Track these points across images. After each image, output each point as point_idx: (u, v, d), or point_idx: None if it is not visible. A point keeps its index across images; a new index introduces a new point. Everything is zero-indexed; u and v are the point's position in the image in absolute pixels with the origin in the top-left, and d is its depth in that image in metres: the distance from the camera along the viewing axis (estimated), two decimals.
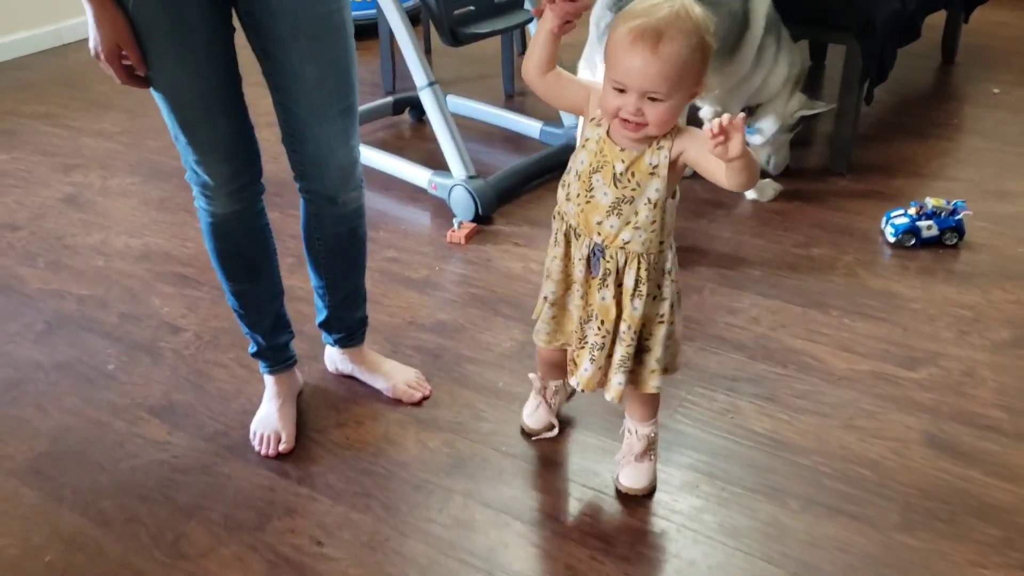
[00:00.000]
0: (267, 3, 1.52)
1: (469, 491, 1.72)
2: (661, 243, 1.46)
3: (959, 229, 2.43)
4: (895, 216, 2.46)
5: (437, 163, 2.75)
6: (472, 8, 2.63)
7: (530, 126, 3.11)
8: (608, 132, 1.43)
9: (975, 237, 2.47)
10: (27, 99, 3.69)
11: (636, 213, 1.43)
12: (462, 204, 2.59)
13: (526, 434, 1.84)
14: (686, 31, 1.29)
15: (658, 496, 1.69)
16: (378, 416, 1.92)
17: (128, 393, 2.01)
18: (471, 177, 2.60)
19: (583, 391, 1.58)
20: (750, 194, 2.70)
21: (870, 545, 1.58)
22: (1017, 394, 1.92)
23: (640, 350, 1.54)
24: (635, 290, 1.47)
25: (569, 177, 1.49)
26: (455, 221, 2.59)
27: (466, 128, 3.01)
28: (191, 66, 1.52)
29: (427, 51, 3.92)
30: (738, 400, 1.92)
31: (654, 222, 1.43)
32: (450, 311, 2.26)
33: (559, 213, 1.53)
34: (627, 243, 1.45)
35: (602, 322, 1.51)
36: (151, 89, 1.55)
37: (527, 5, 2.81)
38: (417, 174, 2.76)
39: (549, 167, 2.78)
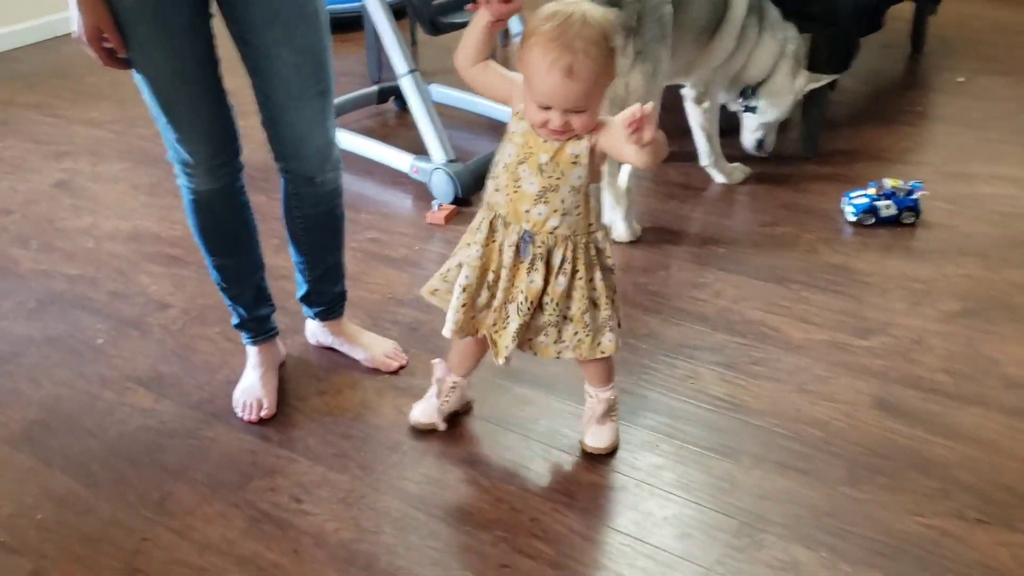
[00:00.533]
0: None
1: (441, 452, 1.82)
2: (590, 225, 1.57)
3: (916, 209, 2.54)
4: (855, 196, 2.56)
5: (420, 150, 2.84)
6: None
7: (510, 114, 3.19)
8: (531, 124, 1.51)
9: (932, 216, 2.58)
10: (20, 89, 3.77)
11: (562, 200, 1.53)
12: (442, 187, 2.69)
13: (412, 428, 1.86)
14: (594, 42, 1.39)
15: (620, 455, 1.79)
16: (356, 384, 2.01)
17: (117, 365, 2.10)
18: (451, 161, 2.70)
19: (504, 364, 1.65)
20: (720, 178, 2.80)
21: (816, 497, 1.68)
22: (963, 360, 2.02)
23: (586, 324, 1.63)
24: (560, 268, 1.57)
25: (497, 169, 1.59)
26: (435, 203, 2.69)
27: (449, 116, 3.10)
28: (170, 48, 1.60)
29: (412, 43, 4.02)
30: (698, 367, 2.02)
31: (579, 207, 1.54)
32: None
33: (488, 203, 1.62)
34: (555, 228, 1.55)
35: (530, 302, 1.60)
36: (133, 71, 1.63)
37: None
38: (399, 159, 2.85)
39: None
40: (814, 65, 2.83)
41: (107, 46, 1.57)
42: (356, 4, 3.89)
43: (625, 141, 1.39)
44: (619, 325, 1.70)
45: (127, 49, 1.58)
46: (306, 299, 2.04)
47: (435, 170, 2.69)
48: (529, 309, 1.62)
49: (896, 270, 2.35)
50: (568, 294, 1.61)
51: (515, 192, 1.56)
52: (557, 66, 1.39)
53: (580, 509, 1.68)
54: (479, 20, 1.50)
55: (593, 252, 1.59)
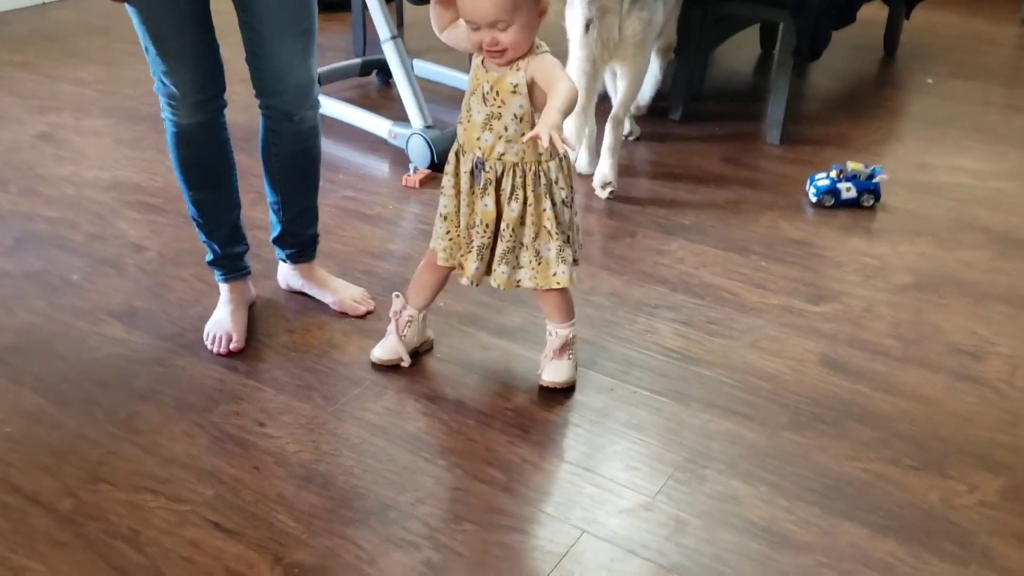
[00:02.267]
0: None
1: (403, 388, 1.88)
2: (539, 155, 1.66)
3: (876, 192, 2.62)
4: (818, 179, 2.65)
5: (399, 119, 2.91)
6: None
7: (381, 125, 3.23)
8: (482, 61, 1.65)
9: (891, 200, 2.67)
10: (6, 49, 3.81)
11: (505, 127, 1.65)
12: (419, 152, 2.75)
13: (375, 365, 1.93)
14: None
15: (576, 396, 1.86)
16: (324, 326, 2.07)
17: (91, 300, 2.15)
18: (428, 127, 2.76)
19: (475, 285, 1.78)
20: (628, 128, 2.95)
21: (758, 439, 1.76)
22: (910, 327, 2.10)
23: (538, 252, 1.73)
24: (511, 195, 1.68)
25: (462, 107, 1.71)
26: (411, 167, 2.75)
27: (431, 91, 3.17)
28: None
29: (399, 24, 4.09)
30: (656, 323, 2.10)
31: (523, 134, 1.63)
32: (399, 243, 2.43)
33: (456, 139, 1.74)
34: (502, 155, 1.67)
35: (486, 226, 1.72)
36: (126, 5, 1.70)
37: None
38: (378, 124, 2.92)
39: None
40: (783, 53, 2.93)
41: None
42: None
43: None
44: (575, 261, 1.78)
45: None
46: (279, 240, 2.10)
47: (413, 135, 2.76)
48: (486, 232, 1.71)
49: (853, 246, 2.44)
50: (521, 221, 1.70)
51: (468, 122, 1.69)
52: None
53: (534, 442, 1.75)
54: None
55: (544, 182, 1.68)
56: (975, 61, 3.85)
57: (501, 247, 1.73)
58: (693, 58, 3.11)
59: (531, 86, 1.62)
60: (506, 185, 1.69)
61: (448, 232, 1.80)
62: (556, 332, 1.84)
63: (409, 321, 1.92)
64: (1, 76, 3.52)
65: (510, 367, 1.95)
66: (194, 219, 1.98)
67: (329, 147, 2.98)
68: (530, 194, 1.69)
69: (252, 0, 1.75)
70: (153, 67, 1.78)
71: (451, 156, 1.76)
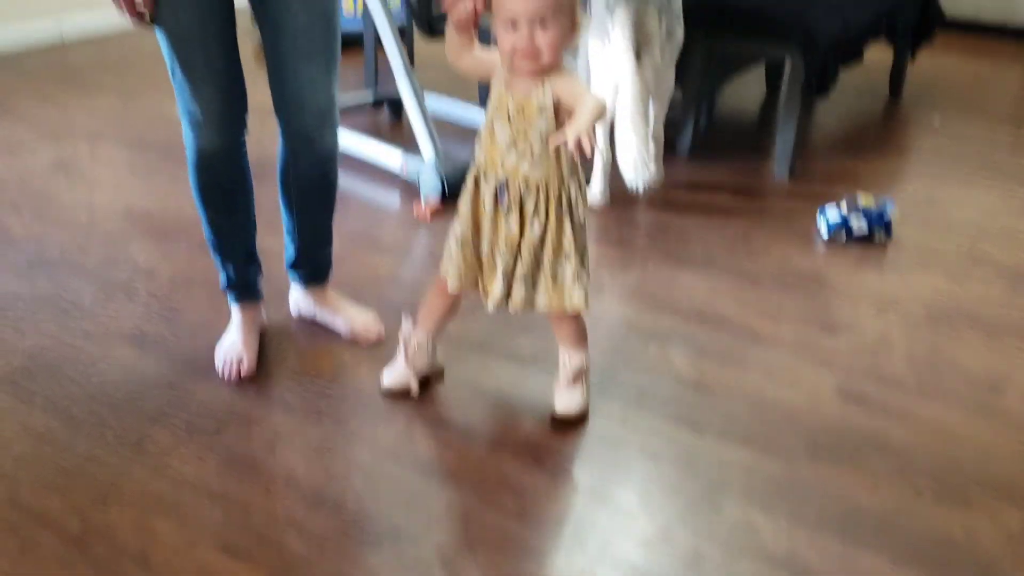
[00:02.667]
0: None
1: (414, 412, 1.87)
2: (563, 174, 1.66)
3: (887, 226, 2.63)
4: (829, 212, 2.65)
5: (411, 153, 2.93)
6: None
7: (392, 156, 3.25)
8: (505, 84, 1.65)
9: (903, 235, 2.67)
10: (25, 83, 3.85)
11: (531, 147, 1.64)
12: (430, 183, 2.76)
13: (384, 393, 1.91)
14: None
15: (588, 423, 1.84)
16: (335, 351, 2.06)
17: (102, 323, 2.15)
18: (440, 159, 2.77)
19: (498, 309, 1.76)
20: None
21: (776, 469, 1.74)
22: (924, 359, 2.09)
23: (555, 274, 1.72)
24: (534, 214, 1.67)
25: (482, 131, 1.71)
26: (422, 198, 2.76)
27: (442, 126, 3.19)
28: (194, 3, 1.69)
29: (411, 60, 4.13)
30: (669, 352, 2.09)
31: (548, 155, 1.63)
32: (411, 270, 2.43)
33: (474, 164, 1.73)
34: (527, 175, 1.66)
35: (510, 247, 1.71)
36: (155, 28, 1.72)
37: None
38: (390, 155, 2.94)
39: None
40: (791, 88, 2.95)
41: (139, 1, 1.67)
42: (357, 24, 4.02)
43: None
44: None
45: (155, 5, 1.67)
46: (293, 264, 2.10)
47: (424, 166, 2.77)
48: (510, 254, 1.70)
49: (865, 279, 2.43)
50: (542, 241, 1.70)
51: (491, 143, 1.68)
52: None
53: (546, 469, 1.73)
54: (449, 23, 1.66)
55: (565, 202, 1.68)
56: (980, 102, 3.88)
57: (520, 269, 1.72)
58: (700, 94, 3.13)
59: (556, 105, 1.62)
60: (529, 206, 1.68)
61: (465, 258, 1.77)
62: (570, 358, 1.83)
63: (418, 346, 1.91)
64: (18, 107, 3.55)
65: (521, 393, 1.93)
66: (210, 242, 1.98)
67: (341, 178, 2.98)
68: (552, 215, 1.68)
69: (278, 22, 1.77)
70: (178, 90, 1.79)
71: (469, 181, 1.75)
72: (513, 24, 1.57)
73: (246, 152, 1.92)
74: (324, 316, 2.13)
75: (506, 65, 1.65)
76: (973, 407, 1.93)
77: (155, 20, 1.70)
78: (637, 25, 2.61)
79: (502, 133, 1.66)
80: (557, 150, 1.63)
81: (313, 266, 2.10)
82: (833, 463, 1.75)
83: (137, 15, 1.70)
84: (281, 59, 1.82)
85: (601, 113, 1.56)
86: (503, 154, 1.67)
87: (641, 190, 2.73)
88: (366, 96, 3.48)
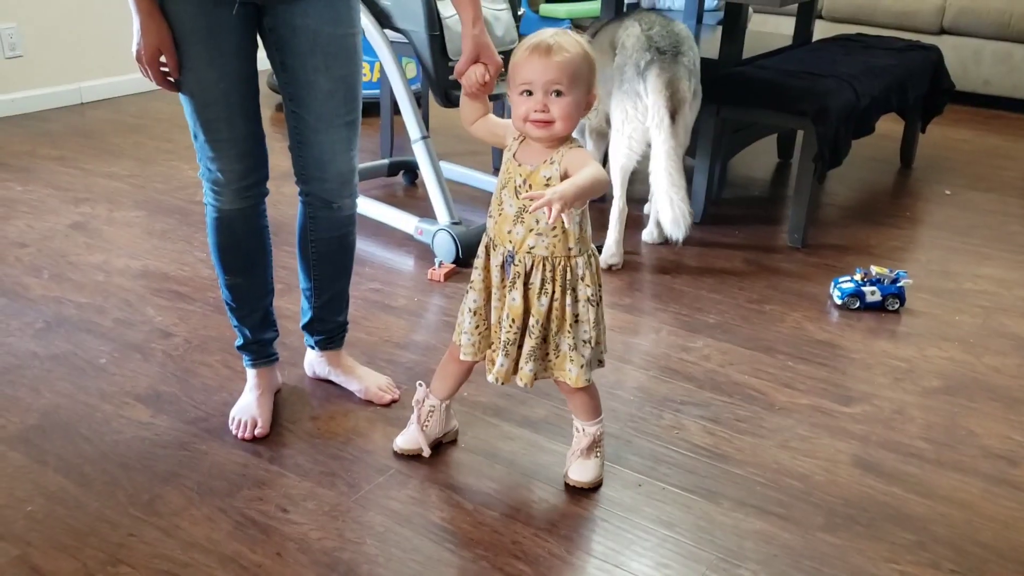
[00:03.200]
0: (291, 21, 1.76)
1: (427, 477, 1.85)
2: (569, 249, 1.66)
3: (901, 296, 2.63)
4: (842, 281, 2.66)
5: (425, 217, 2.96)
6: None
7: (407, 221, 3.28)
8: (514, 155, 1.66)
9: (916, 305, 2.67)
10: (44, 144, 3.92)
11: (537, 220, 1.64)
12: (444, 247, 2.79)
13: (397, 454, 1.91)
14: (572, 43, 1.59)
15: (602, 491, 1.83)
16: (349, 413, 2.06)
17: (117, 383, 2.15)
18: (454, 223, 2.80)
19: (500, 383, 1.74)
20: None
21: (793, 540, 1.71)
22: (942, 430, 2.07)
23: (557, 345, 1.71)
24: (541, 289, 1.66)
25: (492, 202, 1.72)
26: (436, 261, 2.78)
27: (455, 192, 3.22)
28: (219, 68, 1.73)
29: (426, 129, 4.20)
30: (683, 419, 2.08)
31: (554, 229, 1.63)
32: (424, 333, 2.43)
33: (486, 232, 1.74)
34: (532, 248, 1.66)
35: (512, 320, 1.69)
36: (180, 93, 1.76)
37: None
38: (405, 220, 2.97)
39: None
40: (805, 159, 2.98)
41: (163, 69, 1.71)
42: (373, 91, 4.10)
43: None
44: (599, 363, 1.77)
45: (180, 70, 1.71)
46: (309, 326, 2.10)
47: (439, 231, 2.80)
48: (512, 326, 1.69)
49: (880, 349, 2.43)
50: (548, 316, 1.69)
51: (499, 215, 1.68)
52: (537, 49, 1.58)
53: (561, 536, 1.71)
54: (463, 92, 1.73)
55: (570, 277, 1.67)
56: (992, 174, 3.91)
57: (529, 344, 1.70)
58: (712, 164, 3.17)
59: (564, 179, 1.61)
60: (535, 279, 1.67)
61: (477, 327, 1.76)
62: (584, 429, 1.82)
63: (431, 411, 1.90)
64: (39, 169, 3.61)
65: (535, 459, 1.92)
66: (227, 303, 1.99)
67: (356, 241, 3.02)
68: (558, 289, 1.67)
69: (301, 88, 1.81)
70: (200, 153, 1.83)
71: (481, 250, 1.75)
72: (528, 91, 1.59)
73: (266, 215, 1.95)
74: (339, 379, 2.13)
75: (518, 133, 1.67)
76: (992, 479, 1.91)
77: (180, 86, 1.74)
78: (671, 88, 2.73)
79: (509, 205, 1.67)
80: (561, 221, 1.60)
81: (329, 330, 2.11)
82: (851, 534, 1.73)
83: (166, 83, 1.74)
84: (303, 126, 1.85)
85: (596, 187, 1.55)
86: (511, 226, 1.67)
87: (681, 241, 2.82)
88: (382, 165, 3.53)
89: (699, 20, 4.27)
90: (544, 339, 1.71)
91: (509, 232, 1.67)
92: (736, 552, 1.67)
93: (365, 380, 2.11)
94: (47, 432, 1.96)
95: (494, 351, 1.75)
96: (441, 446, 1.94)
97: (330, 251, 2.00)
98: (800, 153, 3.01)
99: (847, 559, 1.67)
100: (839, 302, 2.63)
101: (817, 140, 2.90)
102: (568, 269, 1.67)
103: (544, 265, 1.67)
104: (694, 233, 3.15)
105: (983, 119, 4.81)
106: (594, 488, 1.83)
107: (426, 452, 1.89)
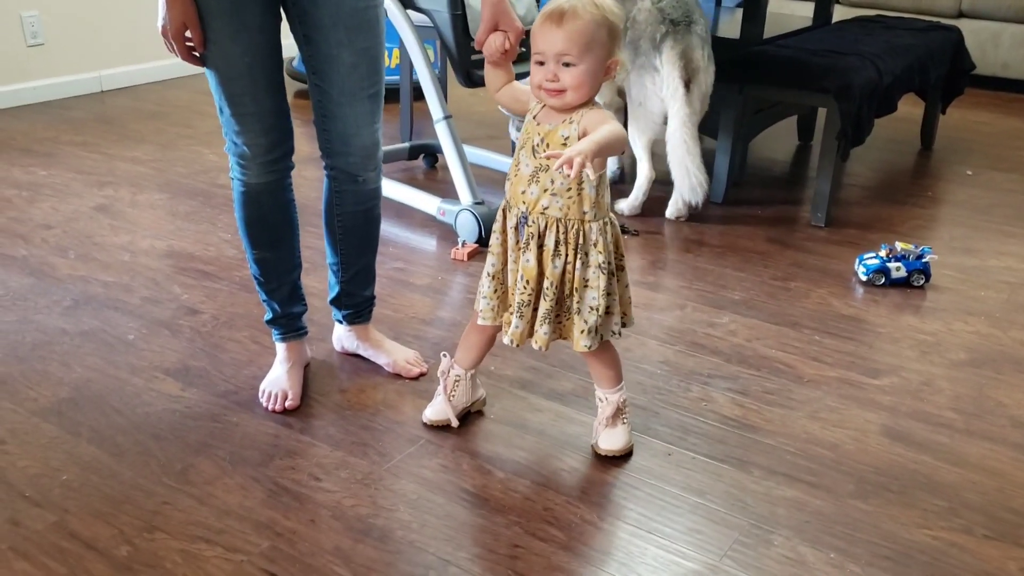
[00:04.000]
0: None
1: (458, 446, 1.86)
2: (584, 213, 1.65)
3: (926, 272, 2.62)
4: (867, 258, 2.65)
5: (448, 198, 2.97)
6: None
7: (429, 202, 3.28)
8: (535, 116, 1.66)
9: (941, 281, 2.66)
10: (67, 131, 3.94)
11: (552, 181, 1.64)
12: (467, 227, 2.79)
13: (427, 425, 1.92)
14: (588, 8, 1.57)
15: (633, 459, 1.83)
16: (378, 386, 2.07)
17: (146, 357, 2.17)
18: (477, 203, 2.81)
19: (515, 345, 1.74)
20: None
21: (825, 506, 1.71)
22: (970, 401, 2.07)
23: (567, 308, 1.72)
24: (555, 251, 1.66)
25: (511, 165, 1.72)
26: (459, 241, 2.79)
27: (477, 174, 3.22)
28: (243, 43, 1.74)
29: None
30: (712, 392, 2.08)
31: (570, 190, 1.63)
32: (449, 310, 2.44)
33: (504, 197, 1.74)
34: (546, 208, 1.65)
35: (527, 282, 1.69)
36: (205, 68, 1.77)
37: None
38: (427, 201, 2.97)
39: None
40: (828, 137, 2.97)
41: (188, 44, 1.72)
42: (393, 78, 4.11)
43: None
44: (616, 334, 1.76)
45: (205, 44, 1.72)
46: (336, 301, 2.11)
47: (461, 210, 2.80)
48: (526, 288, 1.70)
49: (906, 323, 2.42)
50: (563, 278, 1.69)
51: (516, 176, 1.69)
52: (551, 17, 1.57)
53: (592, 502, 1.71)
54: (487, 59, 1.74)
55: (582, 240, 1.66)
56: (1012, 155, 3.89)
57: (544, 307, 1.70)
58: (734, 144, 3.16)
59: (582, 139, 1.60)
60: (549, 241, 1.67)
61: (496, 291, 1.77)
62: (607, 398, 1.82)
63: (457, 380, 1.91)
64: (62, 154, 3.63)
65: (564, 429, 1.92)
66: (256, 278, 2.00)
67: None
68: (571, 251, 1.67)
69: (325, 62, 1.82)
70: (226, 128, 1.83)
71: (499, 214, 1.75)
72: (541, 61, 1.60)
73: (292, 188, 1.96)
74: (368, 352, 2.14)
75: (536, 99, 1.68)
76: (1022, 448, 1.90)
77: (205, 60, 1.75)
78: (685, 58, 2.79)
79: (526, 165, 1.67)
80: (578, 181, 1.62)
81: (356, 304, 2.11)
82: (882, 501, 1.73)
83: (191, 57, 1.75)
84: (327, 99, 1.86)
85: (615, 144, 1.55)
86: (525, 186, 1.67)
87: (700, 205, 2.98)
88: (403, 148, 3.53)
89: (719, 2, 4.27)
90: (558, 302, 1.72)
91: (523, 192, 1.67)
92: (768, 518, 1.68)
93: (393, 353, 2.12)
94: (79, 404, 1.97)
95: (510, 313, 1.75)
96: (469, 417, 1.95)
97: (356, 225, 2.01)
98: (823, 131, 3.00)
99: (879, 525, 1.67)
100: (864, 278, 2.63)
101: (840, 117, 2.90)
102: (581, 233, 1.67)
103: (558, 227, 1.66)
104: (716, 211, 3.16)
105: (1002, 102, 4.79)
106: (625, 456, 1.83)
107: (454, 423, 1.90)
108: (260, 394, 2.00)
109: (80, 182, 3.32)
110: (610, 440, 1.83)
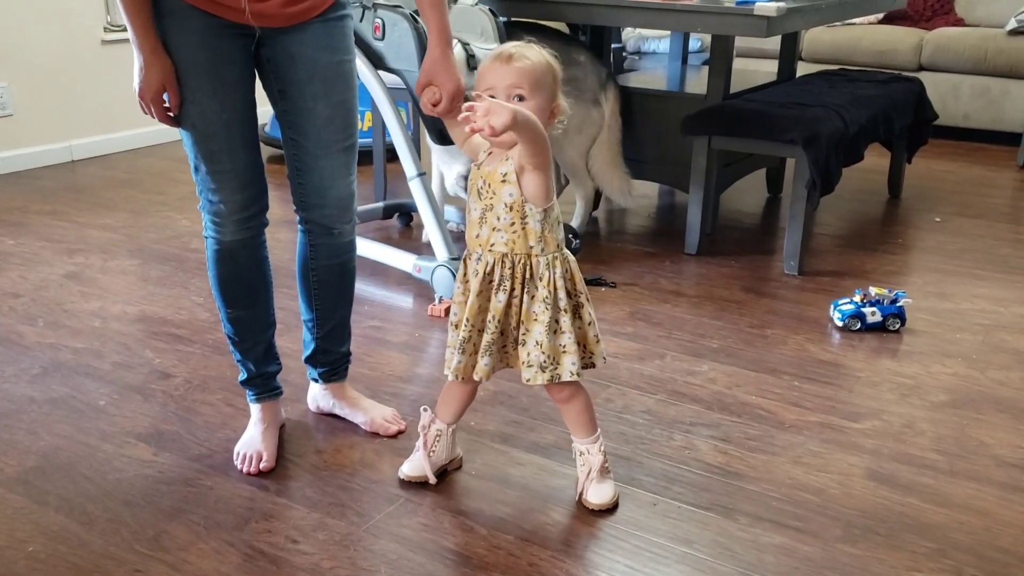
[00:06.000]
0: (288, 50, 1.78)
1: (438, 503, 1.82)
2: (530, 247, 1.67)
3: (901, 316, 2.63)
4: (842, 303, 2.67)
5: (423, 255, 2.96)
6: None
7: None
8: (479, 165, 1.70)
9: (916, 325, 2.67)
10: (37, 200, 3.91)
11: (498, 218, 1.67)
12: (444, 283, 2.78)
13: (403, 482, 1.88)
14: (534, 52, 1.65)
15: (617, 511, 1.80)
16: (355, 445, 2.03)
17: (118, 423, 2.12)
18: (453, 259, 2.80)
19: (459, 379, 1.75)
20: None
21: (813, 552, 1.68)
22: (953, 442, 2.06)
23: (516, 341, 1.72)
24: (499, 286, 1.68)
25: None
26: (436, 297, 2.77)
27: (451, 232, 3.23)
28: (221, 99, 1.74)
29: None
30: (695, 440, 2.05)
31: (513, 224, 1.65)
32: (427, 366, 2.41)
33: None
34: (493, 245, 1.68)
35: (468, 319, 1.70)
36: (180, 129, 1.77)
37: None
38: (403, 259, 2.96)
39: None
40: (797, 187, 3.00)
41: (164, 106, 1.72)
42: (366, 140, 4.14)
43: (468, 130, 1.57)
44: (575, 375, 1.71)
45: (182, 103, 1.72)
46: (312, 359, 2.08)
47: (437, 267, 2.79)
48: (466, 324, 1.71)
49: (884, 367, 2.42)
50: (507, 311, 1.69)
51: (469, 221, 1.72)
52: (500, 57, 1.63)
53: (578, 556, 1.67)
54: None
55: (529, 275, 1.68)
56: (979, 202, 3.96)
57: (485, 339, 1.71)
58: (705, 196, 3.19)
59: (519, 173, 1.64)
60: (496, 276, 1.69)
61: (461, 339, 1.76)
62: (588, 451, 1.80)
63: (438, 436, 1.88)
64: (31, 223, 3.59)
65: (547, 482, 1.89)
66: (230, 338, 1.97)
67: (356, 280, 3.01)
68: (517, 285, 1.68)
69: (301, 117, 1.82)
70: (201, 186, 1.82)
71: (460, 264, 1.77)
72: (491, 95, 1.61)
73: (266, 246, 1.94)
74: (344, 411, 2.11)
75: (488, 147, 1.70)
76: (1007, 487, 1.89)
77: (181, 120, 1.75)
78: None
79: (475, 208, 1.70)
80: (523, 217, 1.64)
81: (332, 362, 2.08)
82: (871, 544, 1.71)
83: (167, 119, 1.75)
84: (302, 152, 1.86)
85: (538, 132, 1.57)
86: (477, 229, 1.70)
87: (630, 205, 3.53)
88: (377, 208, 3.54)
89: (684, 61, 4.35)
90: (503, 333, 1.72)
91: (477, 236, 1.70)
92: (756, 566, 1.64)
93: (371, 411, 2.09)
94: (47, 473, 1.92)
95: (452, 349, 1.76)
96: (448, 474, 1.91)
97: (331, 278, 1.99)
98: (793, 181, 3.04)
99: (869, 569, 1.64)
100: (840, 324, 2.63)
101: (809, 166, 2.93)
102: (528, 267, 1.68)
103: (503, 261, 1.68)
104: (691, 263, 3.17)
105: (965, 151, 4.88)
106: (611, 508, 1.80)
107: (432, 479, 1.86)
108: (235, 456, 1.95)
109: (49, 250, 3.28)
110: (600, 494, 1.80)
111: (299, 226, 1.95)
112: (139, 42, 1.67)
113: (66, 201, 3.90)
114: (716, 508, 1.81)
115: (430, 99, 1.76)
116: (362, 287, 2.94)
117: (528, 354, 1.70)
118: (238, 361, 2.00)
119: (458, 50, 2.86)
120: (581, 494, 1.82)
